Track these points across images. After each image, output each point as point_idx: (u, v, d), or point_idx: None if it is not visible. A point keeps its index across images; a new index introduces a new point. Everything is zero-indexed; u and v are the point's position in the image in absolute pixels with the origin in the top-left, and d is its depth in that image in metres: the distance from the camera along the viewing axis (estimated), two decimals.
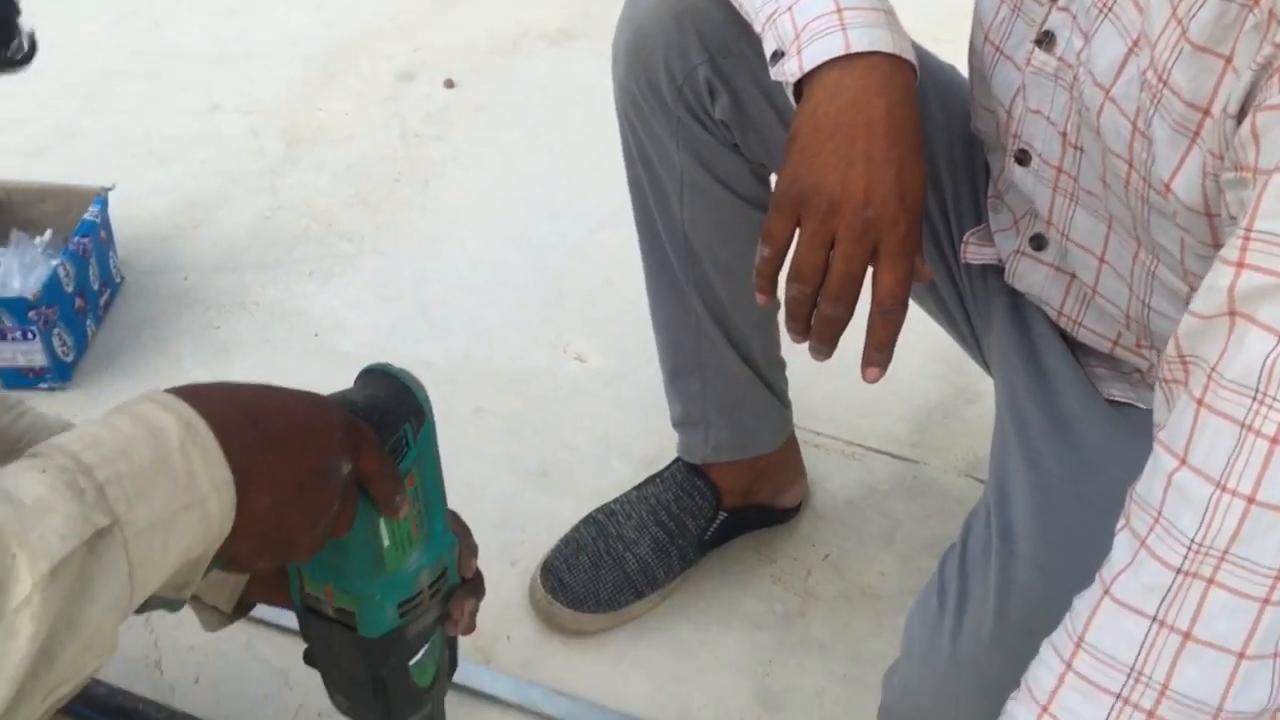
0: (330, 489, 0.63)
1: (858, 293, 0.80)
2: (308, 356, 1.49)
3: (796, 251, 0.80)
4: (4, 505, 0.49)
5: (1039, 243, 0.91)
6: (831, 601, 1.25)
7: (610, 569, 1.20)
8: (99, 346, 1.51)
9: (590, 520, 1.25)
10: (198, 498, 0.56)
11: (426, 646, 0.80)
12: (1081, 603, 0.64)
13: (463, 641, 0.88)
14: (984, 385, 1.50)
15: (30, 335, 1.36)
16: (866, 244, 0.77)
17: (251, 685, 1.14)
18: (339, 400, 0.70)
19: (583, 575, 1.20)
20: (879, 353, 0.81)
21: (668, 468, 1.26)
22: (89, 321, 1.48)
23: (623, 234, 1.49)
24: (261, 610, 1.16)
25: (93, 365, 1.48)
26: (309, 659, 0.82)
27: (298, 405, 0.64)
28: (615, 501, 1.26)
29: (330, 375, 1.41)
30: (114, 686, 1.09)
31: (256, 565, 0.64)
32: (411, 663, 0.79)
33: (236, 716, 1.10)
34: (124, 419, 0.56)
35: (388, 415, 0.71)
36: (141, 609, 0.60)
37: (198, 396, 0.59)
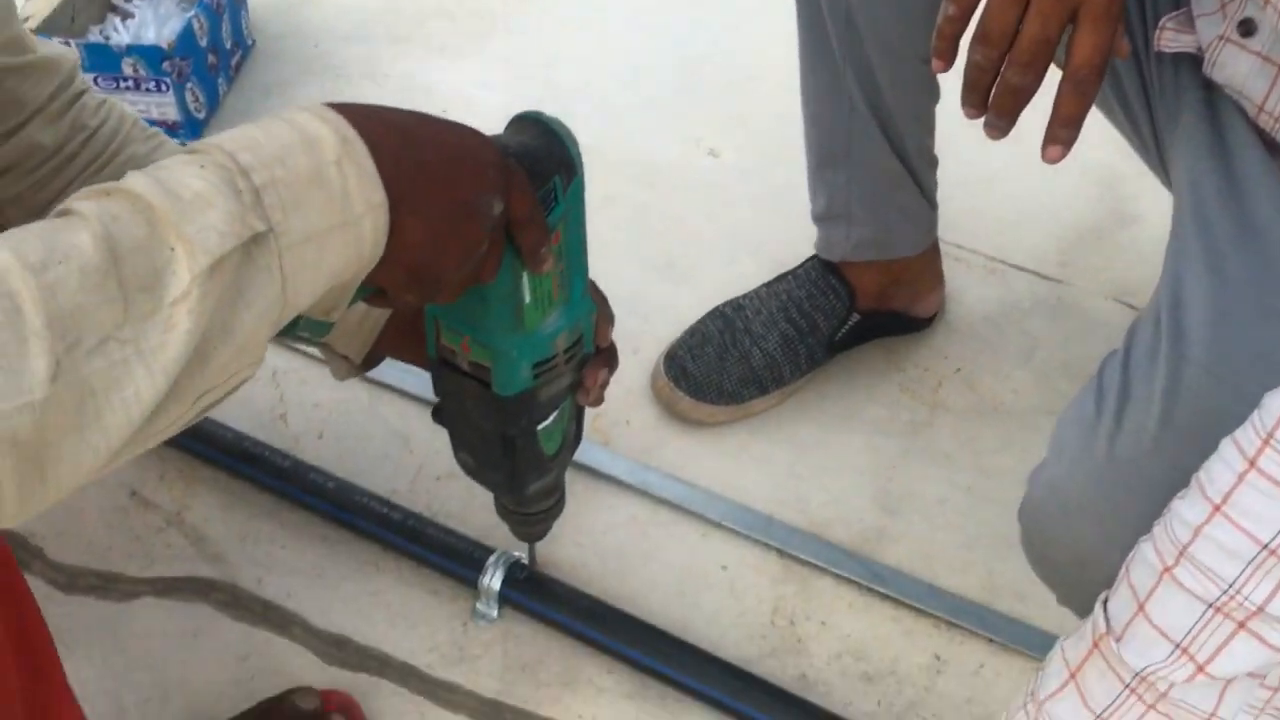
0: (481, 225, 0.60)
1: (1049, 60, 0.73)
2: None
3: (986, 10, 0.72)
4: (163, 196, 0.47)
5: (1248, 28, 0.82)
6: (960, 414, 1.21)
7: (735, 362, 1.17)
8: (229, 107, 1.49)
9: (717, 313, 1.21)
10: (351, 217, 0.53)
11: (556, 413, 0.79)
12: (1276, 400, 0.59)
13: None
14: (1141, 208, 1.42)
15: (164, 87, 1.35)
16: (1067, 4, 0.70)
17: (373, 444, 1.15)
18: (491, 139, 0.66)
19: (707, 366, 1.17)
20: (1065, 129, 0.74)
21: (802, 265, 1.21)
22: (220, 80, 1.46)
23: (766, 28, 1.41)
24: (386, 374, 1.17)
25: (223, 125, 1.47)
26: (438, 416, 0.82)
27: (453, 135, 0.61)
28: (744, 296, 1.22)
29: None
30: (241, 432, 1.11)
31: (403, 299, 0.62)
32: (540, 427, 0.79)
33: (357, 473, 1.11)
34: (280, 125, 0.53)
35: (539, 164, 0.67)
36: (288, 331, 0.60)
37: (354, 113, 0.56)
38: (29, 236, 0.44)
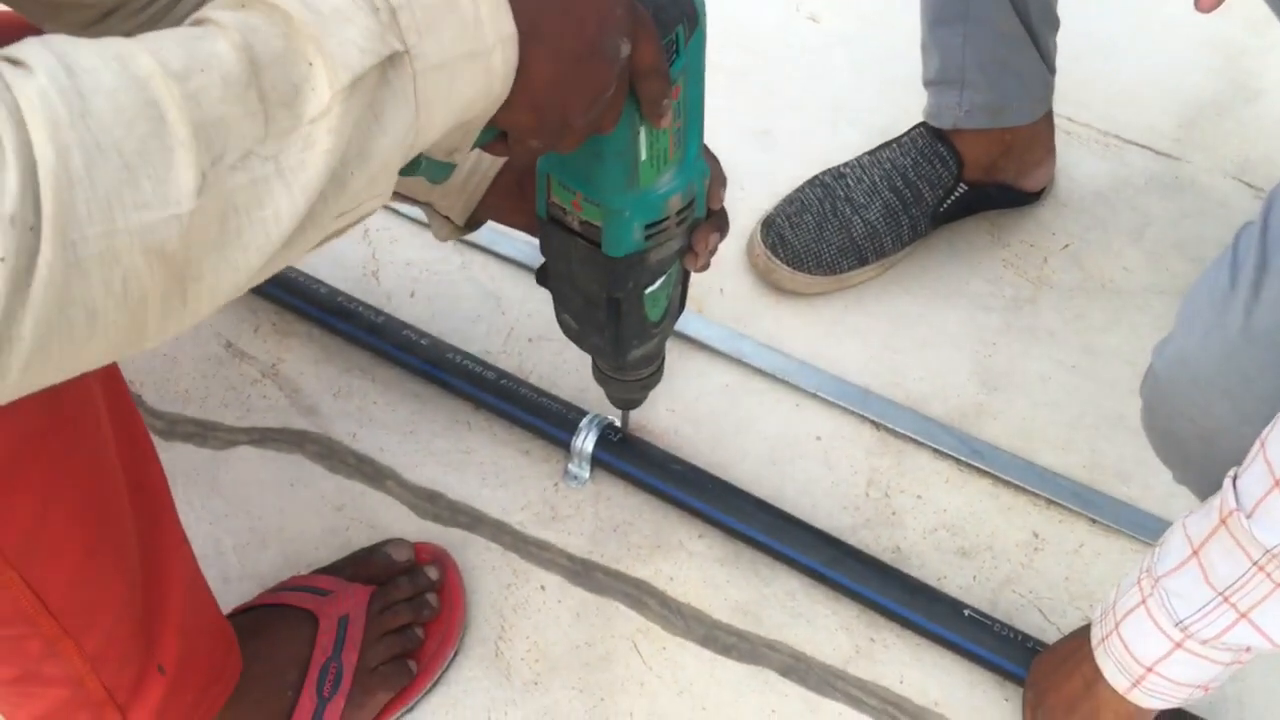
0: (609, 67, 0.58)
1: None
2: None
3: None
4: (302, 7, 0.45)
5: None
6: (1067, 291, 1.16)
7: (835, 231, 1.14)
8: None
9: (817, 182, 1.17)
10: (483, 47, 0.51)
11: (664, 278, 0.77)
12: None
13: None
14: (1265, 84, 1.35)
15: None
16: None
17: (465, 304, 1.14)
18: None
19: (805, 235, 1.14)
20: None
21: (907, 132, 1.16)
22: None
23: None
24: (478, 236, 1.16)
25: None
26: (542, 278, 0.81)
27: None
28: (845, 165, 1.18)
29: None
30: (335, 288, 1.10)
31: (526, 144, 0.59)
32: (647, 291, 0.77)
33: (449, 332, 1.11)
34: None
35: (662, 10, 0.63)
36: (410, 169, 0.58)
37: None
38: (167, 42, 0.42)
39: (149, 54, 0.41)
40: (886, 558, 0.97)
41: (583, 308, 0.79)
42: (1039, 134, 1.16)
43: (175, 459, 1.02)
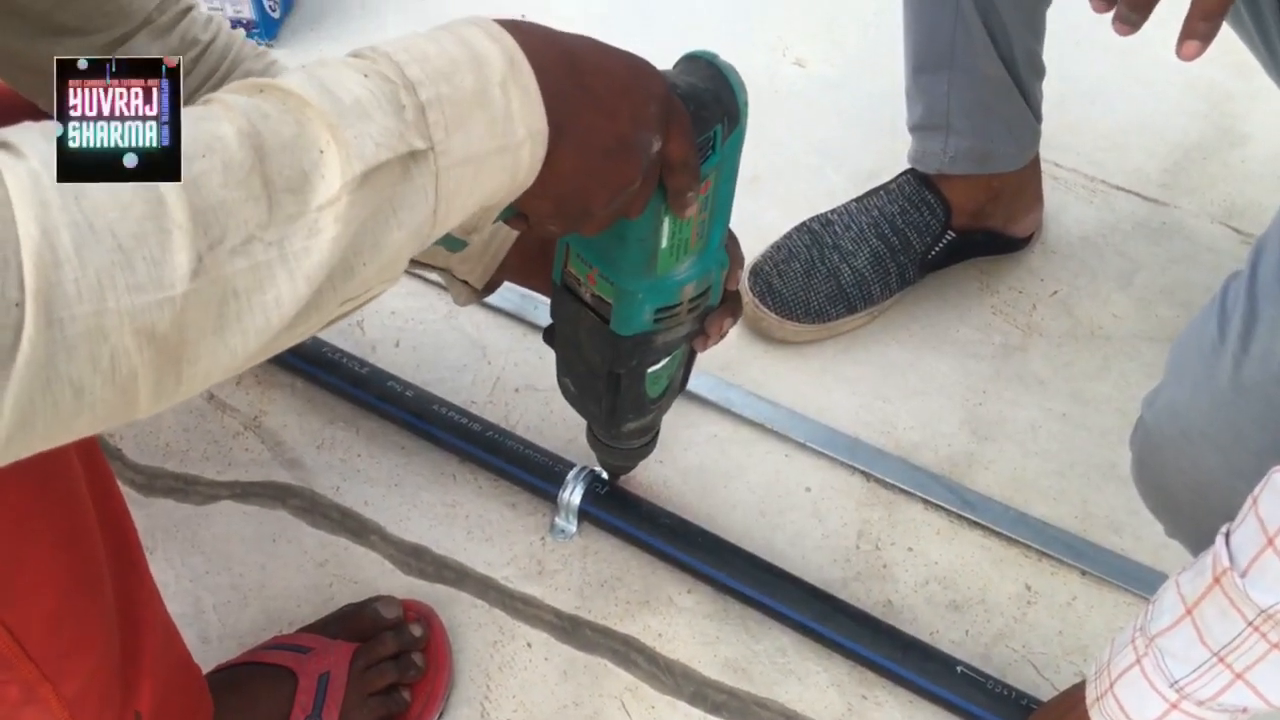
0: (636, 162, 0.57)
1: None
2: None
3: None
4: (320, 95, 0.45)
5: None
6: (1056, 339, 1.16)
7: (823, 279, 1.13)
8: (304, 7, 1.46)
9: (804, 228, 1.17)
10: (512, 142, 0.51)
11: (669, 358, 0.77)
12: None
13: None
14: (1250, 128, 1.35)
15: None
16: None
17: (450, 354, 1.13)
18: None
19: (793, 283, 1.13)
20: (1205, 22, 0.68)
21: (895, 179, 1.16)
22: None
23: None
24: None
25: (298, 25, 1.44)
26: (549, 339, 0.81)
27: (622, 65, 0.57)
28: (833, 211, 1.17)
29: None
30: (319, 338, 1.09)
31: (546, 228, 0.60)
32: (650, 370, 0.77)
33: (435, 382, 1.10)
34: (449, 39, 0.50)
35: (704, 109, 0.64)
36: None
37: (522, 33, 0.53)
38: None
39: None
40: (878, 612, 0.96)
41: (584, 375, 0.79)
42: (1026, 180, 1.16)
43: (155, 515, 1.01)
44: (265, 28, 1.37)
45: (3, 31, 0.73)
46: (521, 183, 0.53)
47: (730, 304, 0.78)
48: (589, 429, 0.90)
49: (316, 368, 1.07)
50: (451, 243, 0.59)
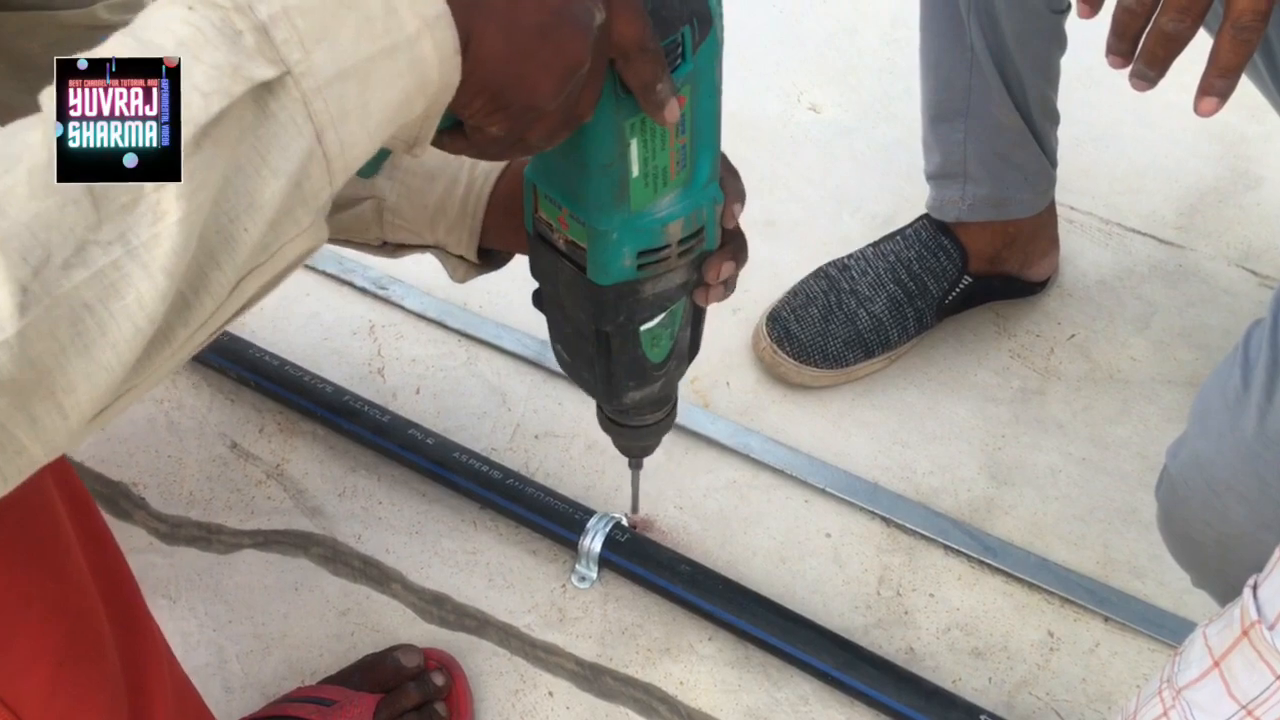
0: (579, 37, 0.49)
1: (1208, 4, 0.68)
2: None
3: None
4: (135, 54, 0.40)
5: None
6: (1074, 382, 1.16)
7: (841, 324, 1.13)
8: None
9: (821, 274, 1.18)
10: (402, 38, 0.43)
11: (665, 314, 0.68)
12: None
13: (680, 384, 0.80)
14: (1265, 171, 1.35)
15: None
16: None
17: (470, 400, 1.14)
18: None
19: (811, 328, 1.14)
20: (1222, 79, 0.69)
21: (911, 224, 1.17)
22: None
23: None
24: (482, 330, 1.16)
25: None
26: (537, 300, 0.74)
27: None
28: (850, 256, 1.18)
29: None
30: (341, 387, 1.10)
31: (487, 132, 0.52)
32: (644, 328, 0.68)
33: (455, 429, 1.10)
34: None
35: (664, 7, 0.55)
36: (367, 169, 0.52)
37: None
38: None
39: None
40: (900, 659, 0.96)
41: (573, 338, 0.71)
42: (1043, 225, 1.17)
43: (179, 564, 1.01)
44: None
45: (6, 88, 0.72)
46: (439, 81, 0.46)
47: (731, 246, 0.68)
48: (597, 409, 0.81)
49: (338, 415, 1.08)
50: (371, 168, 0.52)
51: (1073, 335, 1.20)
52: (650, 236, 0.63)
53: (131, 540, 1.03)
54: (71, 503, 0.62)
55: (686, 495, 1.07)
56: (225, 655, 0.97)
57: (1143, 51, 0.71)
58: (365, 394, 1.11)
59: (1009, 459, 1.10)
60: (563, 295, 0.68)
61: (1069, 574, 1.01)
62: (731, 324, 1.20)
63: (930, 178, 1.14)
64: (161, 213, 0.39)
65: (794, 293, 1.17)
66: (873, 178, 1.36)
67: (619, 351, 0.69)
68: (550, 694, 0.95)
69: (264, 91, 0.41)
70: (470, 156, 0.59)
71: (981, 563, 1.02)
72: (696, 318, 0.73)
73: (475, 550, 1.03)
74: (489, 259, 0.81)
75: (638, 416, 0.79)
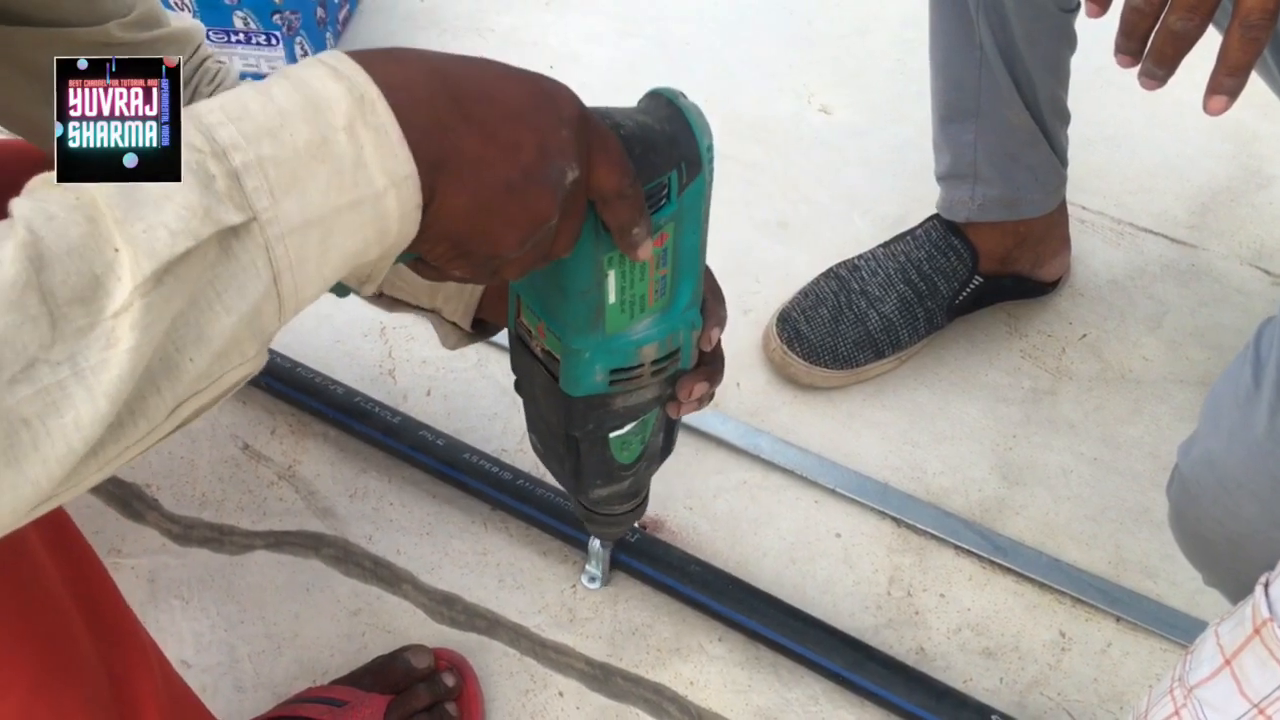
0: (546, 196, 0.50)
1: (1217, 3, 0.68)
2: None
3: None
4: (112, 190, 0.40)
5: None
6: (1086, 382, 1.16)
7: (851, 325, 1.13)
8: None
9: (831, 274, 1.18)
10: (369, 194, 0.45)
11: (635, 424, 0.70)
12: None
13: None
14: (1278, 169, 1.35)
15: (274, 40, 1.34)
16: None
17: (481, 403, 1.14)
18: (594, 111, 0.55)
19: (821, 329, 1.14)
20: (1231, 78, 0.68)
21: (921, 225, 1.17)
22: (328, 34, 1.45)
23: None
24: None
25: None
26: (518, 388, 0.75)
27: (518, 87, 0.50)
28: (860, 257, 1.18)
29: None
30: (352, 388, 1.10)
31: (453, 273, 0.53)
32: (613, 435, 0.70)
33: (466, 430, 1.11)
34: (284, 86, 0.45)
35: (654, 151, 0.57)
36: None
37: (385, 62, 0.47)
38: None
39: None
40: (910, 660, 0.96)
41: (545, 434, 0.73)
42: (1054, 225, 1.17)
43: (191, 564, 1.02)
44: None
45: (25, 97, 0.73)
46: (398, 232, 0.47)
47: (707, 367, 0.69)
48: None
49: (350, 417, 1.08)
50: (339, 289, 0.52)
51: (1084, 335, 1.20)
52: (623, 357, 0.64)
53: (144, 541, 1.03)
54: (39, 522, 0.61)
55: (696, 496, 1.07)
56: (237, 655, 0.97)
57: (1151, 50, 0.70)
58: (376, 395, 1.11)
59: (1020, 459, 1.10)
60: (538, 396, 0.69)
61: (1081, 574, 1.01)
62: (742, 325, 1.20)
63: (940, 178, 1.13)
64: (115, 339, 0.40)
65: (804, 293, 1.17)
66: (884, 179, 1.36)
67: (587, 454, 0.71)
68: (560, 694, 0.95)
69: (229, 234, 0.42)
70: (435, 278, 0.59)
71: (993, 563, 1.02)
72: (670, 425, 0.74)
73: (486, 551, 1.03)
74: (481, 328, 0.83)
75: (606, 508, 0.81)
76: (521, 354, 0.68)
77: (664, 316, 0.64)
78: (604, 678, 0.96)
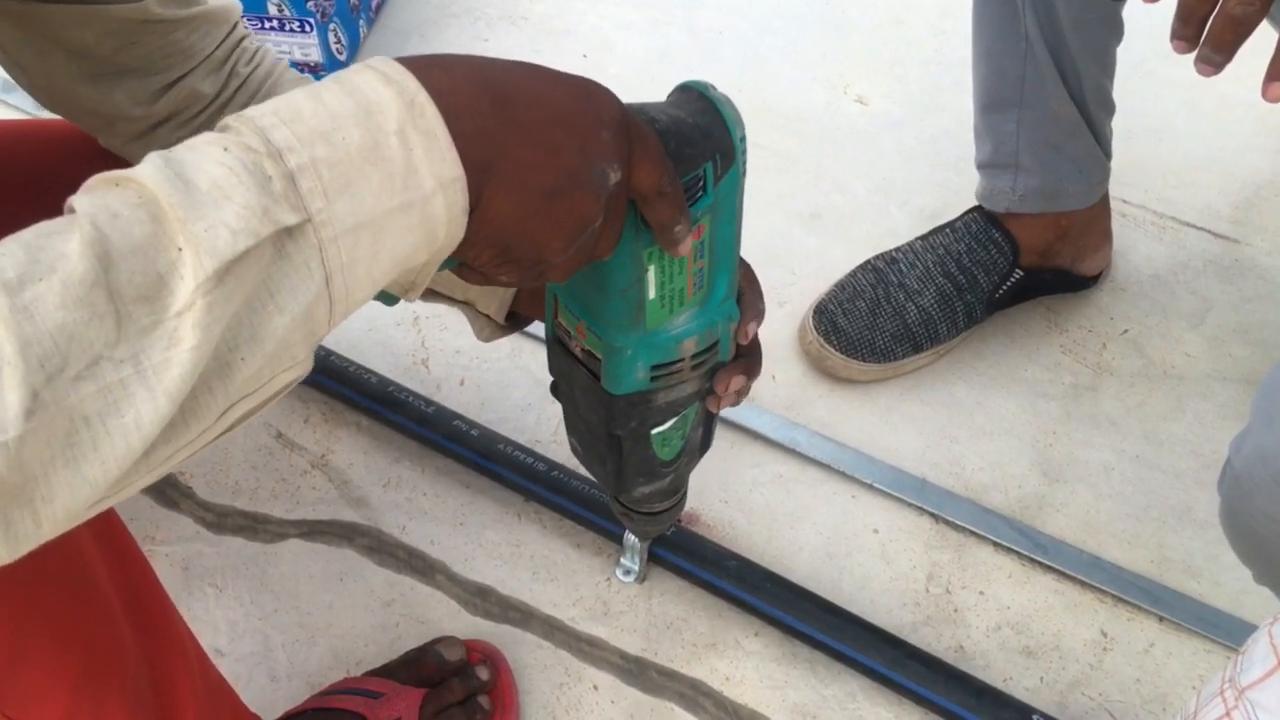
0: (590, 198, 0.51)
1: None
2: None
3: None
4: (173, 187, 0.41)
5: None
6: (1128, 378, 1.14)
7: (889, 318, 1.12)
8: (369, 49, 1.48)
9: (869, 266, 1.16)
10: (418, 196, 0.46)
11: (676, 419, 0.70)
12: None
13: None
14: None
15: (308, 27, 1.33)
16: None
17: (515, 393, 1.13)
18: (634, 107, 0.56)
19: (859, 322, 1.12)
20: None
21: (961, 217, 1.15)
22: (361, 21, 1.45)
23: None
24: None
25: None
26: (555, 391, 0.76)
27: (561, 91, 0.51)
28: (897, 250, 1.17)
29: None
30: (386, 377, 1.10)
31: (499, 278, 0.54)
32: (654, 431, 0.71)
33: (499, 421, 1.10)
34: (335, 90, 0.45)
35: (689, 144, 0.57)
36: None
37: (432, 69, 0.47)
38: (13, 247, 0.38)
39: None
40: (949, 657, 0.94)
41: (585, 435, 0.73)
42: (1096, 218, 1.15)
43: (226, 552, 1.02)
44: (332, 69, 1.39)
45: (66, 74, 0.74)
46: (445, 236, 0.48)
47: (745, 360, 0.70)
48: (610, 496, 0.83)
49: (383, 406, 1.08)
50: (385, 297, 0.53)
51: (1126, 330, 1.18)
52: (664, 352, 0.65)
53: (179, 529, 1.03)
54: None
55: (732, 489, 1.06)
56: (271, 644, 0.97)
57: (1209, 36, 0.69)
58: (410, 385, 1.10)
59: (1060, 455, 1.08)
60: (577, 397, 0.70)
61: (1122, 573, 0.99)
62: (778, 317, 1.18)
63: (980, 166, 1.12)
64: (178, 339, 0.40)
65: (841, 286, 1.16)
66: (920, 170, 1.34)
67: (630, 452, 0.71)
68: (595, 687, 0.95)
69: (284, 235, 0.42)
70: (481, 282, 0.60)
71: (1033, 560, 1.01)
72: (709, 418, 0.74)
73: (519, 542, 1.03)
74: (514, 320, 0.83)
75: (646, 505, 0.81)
76: (560, 355, 0.68)
77: (702, 310, 0.64)
78: (639, 672, 0.96)
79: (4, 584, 0.51)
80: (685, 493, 0.83)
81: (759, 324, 0.69)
